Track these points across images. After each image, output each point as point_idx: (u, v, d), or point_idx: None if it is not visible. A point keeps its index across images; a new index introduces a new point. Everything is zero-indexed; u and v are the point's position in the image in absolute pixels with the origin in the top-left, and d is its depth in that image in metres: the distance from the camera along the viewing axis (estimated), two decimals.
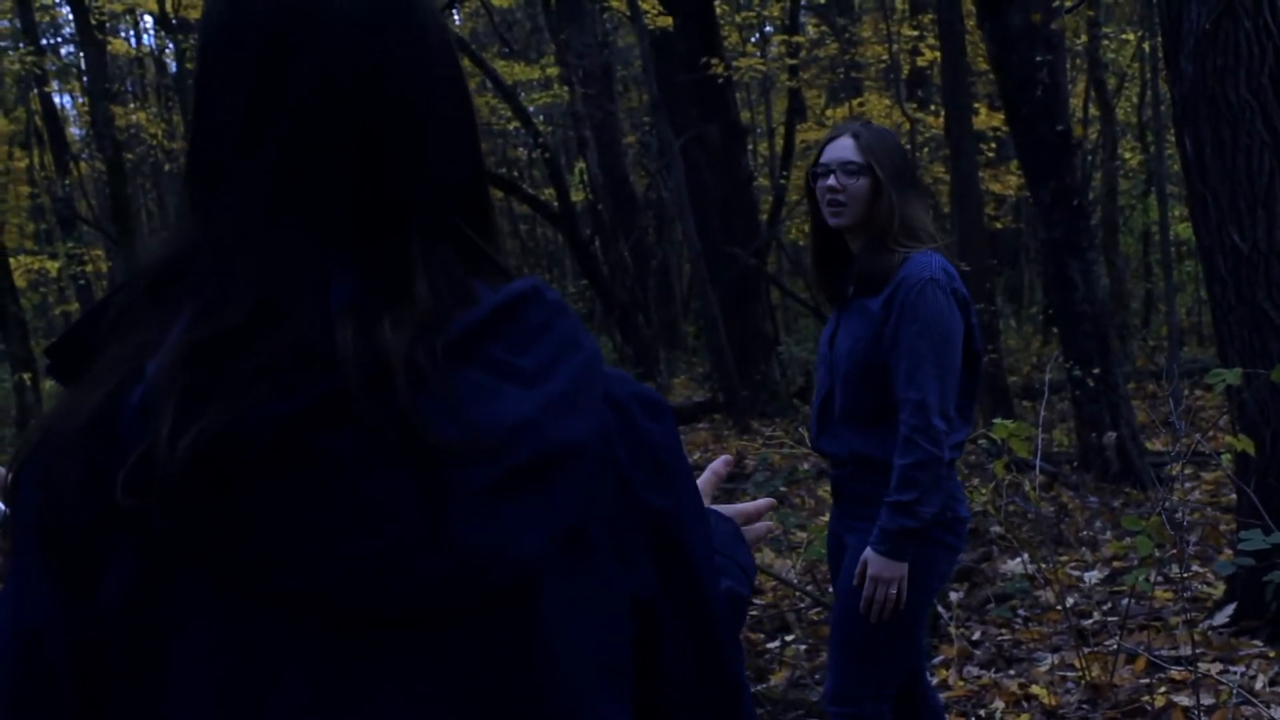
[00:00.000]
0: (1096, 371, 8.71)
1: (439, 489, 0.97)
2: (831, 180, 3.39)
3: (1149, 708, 4.49)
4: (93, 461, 0.99)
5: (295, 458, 0.96)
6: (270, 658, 1.00)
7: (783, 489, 9.66)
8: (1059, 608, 5.46)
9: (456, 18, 24.20)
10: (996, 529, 7.08)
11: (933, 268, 3.31)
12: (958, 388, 3.34)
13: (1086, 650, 5.03)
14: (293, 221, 1.02)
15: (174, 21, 17.39)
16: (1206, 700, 4.42)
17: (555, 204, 19.26)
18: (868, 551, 3.32)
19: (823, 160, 3.44)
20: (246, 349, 0.98)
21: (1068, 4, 10.95)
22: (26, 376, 15.81)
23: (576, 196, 20.85)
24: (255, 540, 0.97)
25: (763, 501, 1.55)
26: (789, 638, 5.76)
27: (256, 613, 0.99)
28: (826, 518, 4.15)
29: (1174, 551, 5.04)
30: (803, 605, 6.23)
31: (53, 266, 20.23)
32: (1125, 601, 5.39)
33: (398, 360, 0.97)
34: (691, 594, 1.16)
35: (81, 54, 19.96)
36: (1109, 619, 5.63)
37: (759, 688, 5.04)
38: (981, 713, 4.73)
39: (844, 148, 3.42)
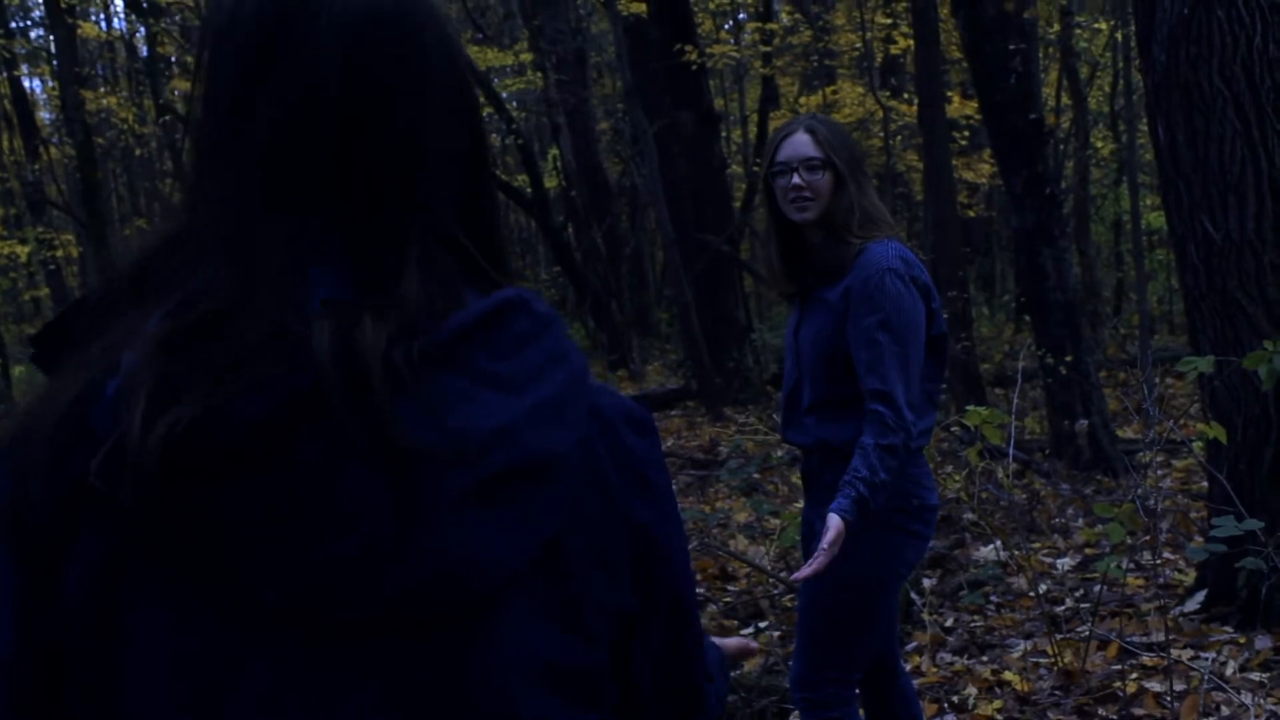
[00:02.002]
0: (1068, 359, 8.75)
1: (412, 495, 0.95)
2: (795, 178, 3.39)
3: (1121, 693, 4.51)
4: (62, 451, 0.98)
5: (266, 456, 0.94)
6: (228, 655, 0.98)
7: (755, 476, 9.67)
8: (1031, 594, 5.48)
9: None
10: (969, 516, 7.10)
11: (890, 257, 3.32)
12: (921, 375, 3.34)
13: (1059, 636, 5.05)
14: (273, 220, 1.02)
15: (145, 5, 17.27)
16: (1178, 686, 4.44)
17: (528, 190, 19.23)
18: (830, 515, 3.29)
19: (780, 159, 3.43)
20: (220, 339, 0.96)
21: None
22: None
23: (550, 183, 20.83)
24: (221, 536, 0.95)
25: (745, 645, 1.53)
26: (762, 624, 5.77)
27: (218, 608, 0.98)
28: (800, 504, 4.16)
29: (1146, 538, 5.06)
30: (776, 592, 6.24)
31: (22, 251, 20.12)
32: (1097, 588, 5.41)
33: (375, 361, 0.96)
34: (671, 606, 1.17)
35: (51, 37, 19.82)
36: (1081, 605, 5.65)
37: (733, 674, 5.04)
38: (954, 699, 4.74)
39: (802, 144, 3.41)
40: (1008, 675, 4.87)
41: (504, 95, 19.99)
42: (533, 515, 1.00)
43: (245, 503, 0.94)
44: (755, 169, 17.93)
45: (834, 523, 3.25)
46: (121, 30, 26.85)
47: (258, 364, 0.95)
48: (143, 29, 20.59)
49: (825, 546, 3.29)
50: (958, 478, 5.92)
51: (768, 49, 17.73)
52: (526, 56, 19.91)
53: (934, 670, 5.07)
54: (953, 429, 8.29)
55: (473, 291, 1.06)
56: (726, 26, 22.26)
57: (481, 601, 1.00)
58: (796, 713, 4.63)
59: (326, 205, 1.03)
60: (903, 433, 3.23)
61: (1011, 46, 8.78)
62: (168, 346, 0.96)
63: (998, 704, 4.62)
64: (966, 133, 18.51)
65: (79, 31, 19.54)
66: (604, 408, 1.11)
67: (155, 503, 0.94)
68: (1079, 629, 5.29)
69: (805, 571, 3.25)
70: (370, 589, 0.96)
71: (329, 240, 1.02)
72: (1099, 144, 20.77)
